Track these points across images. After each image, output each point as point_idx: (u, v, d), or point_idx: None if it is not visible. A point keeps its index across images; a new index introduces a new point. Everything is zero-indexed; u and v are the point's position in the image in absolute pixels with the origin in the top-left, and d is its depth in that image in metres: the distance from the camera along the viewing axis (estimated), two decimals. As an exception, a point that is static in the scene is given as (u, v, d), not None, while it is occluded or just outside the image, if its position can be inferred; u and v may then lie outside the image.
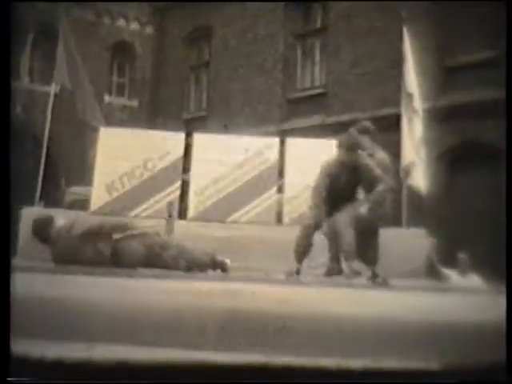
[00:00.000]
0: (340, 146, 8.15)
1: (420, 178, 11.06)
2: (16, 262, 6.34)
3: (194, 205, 10.45)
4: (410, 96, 11.44)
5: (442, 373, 3.47)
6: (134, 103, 24.58)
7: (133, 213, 10.27)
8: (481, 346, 3.74)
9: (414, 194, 11.21)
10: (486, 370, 3.50)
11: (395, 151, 11.42)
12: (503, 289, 4.61)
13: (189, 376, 3.49)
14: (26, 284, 3.93)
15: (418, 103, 11.42)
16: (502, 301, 4.05)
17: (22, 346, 3.34)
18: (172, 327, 3.92)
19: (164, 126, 17.85)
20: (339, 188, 7.99)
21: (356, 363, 3.53)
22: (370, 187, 8.04)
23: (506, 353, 3.52)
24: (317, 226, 7.93)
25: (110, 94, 23.92)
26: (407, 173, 11.13)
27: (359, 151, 8.12)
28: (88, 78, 13.04)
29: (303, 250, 7.87)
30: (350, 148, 8.04)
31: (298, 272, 7.76)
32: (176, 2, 23.83)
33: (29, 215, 9.18)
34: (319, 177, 8.11)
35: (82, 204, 10.94)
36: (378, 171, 8.07)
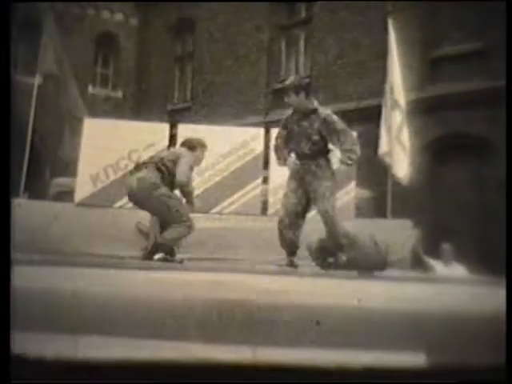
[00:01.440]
0: (287, 90, 7.51)
1: (403, 169, 11.12)
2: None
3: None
4: (392, 87, 11.50)
5: (439, 372, 3.48)
6: (118, 94, 24.49)
7: (118, 204, 10.27)
8: (473, 339, 3.76)
9: (398, 184, 11.26)
10: (484, 366, 3.51)
11: (375, 141, 11.52)
12: (488, 279, 4.63)
13: (175, 370, 3.49)
14: (21, 277, 3.91)
15: (401, 94, 11.46)
16: (490, 291, 4.07)
17: (21, 343, 3.33)
18: (157, 319, 3.92)
19: (148, 117, 17.80)
20: (303, 143, 7.42)
21: (344, 356, 3.54)
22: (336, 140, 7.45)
23: (506, 353, 3.54)
24: (291, 215, 7.38)
25: (94, 85, 23.81)
26: (384, 162, 11.26)
27: (311, 98, 7.59)
28: (71, 69, 13.02)
29: (287, 248, 7.44)
30: (297, 88, 7.45)
31: (290, 264, 7.37)
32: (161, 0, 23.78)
33: (14, 207, 9.16)
34: (276, 138, 7.78)
35: (67, 195, 10.90)
36: (340, 123, 7.47)
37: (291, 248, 7.44)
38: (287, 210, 7.41)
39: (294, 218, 7.41)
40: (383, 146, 11.32)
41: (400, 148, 11.14)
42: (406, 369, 3.59)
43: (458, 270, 10.42)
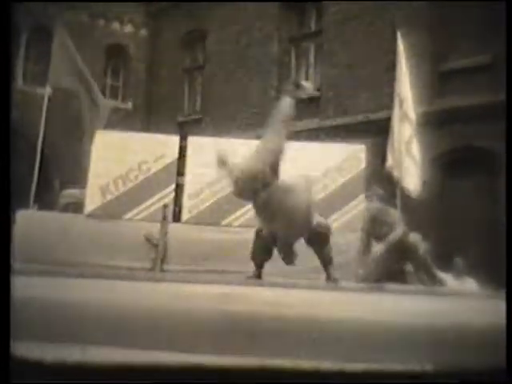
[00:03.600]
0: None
1: (413, 182, 11.11)
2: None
3: (188, 208, 10.45)
4: (401, 100, 11.51)
5: (440, 375, 3.47)
6: (128, 106, 24.54)
7: (127, 215, 10.28)
8: (478, 350, 3.75)
9: (407, 197, 11.24)
10: (485, 373, 3.51)
11: (384, 154, 11.51)
12: (498, 292, 4.61)
13: (182, 379, 3.49)
14: (24, 287, 3.92)
15: (410, 107, 11.47)
16: (498, 304, 4.06)
17: (21, 349, 3.33)
18: (165, 330, 3.92)
19: (158, 129, 17.83)
20: None
21: (351, 367, 3.53)
22: None
23: (506, 357, 3.53)
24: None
25: (104, 96, 23.84)
26: (393, 175, 11.26)
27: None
28: (91, 77, 13.07)
29: (260, 259, 7.36)
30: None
31: (258, 276, 7.49)
32: (171, 1, 23.83)
33: (23, 218, 9.19)
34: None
35: (76, 207, 10.93)
36: None
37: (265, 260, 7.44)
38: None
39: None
40: (390, 159, 11.33)
41: (411, 161, 11.13)
42: (406, 373, 3.60)
43: (469, 283, 10.38)
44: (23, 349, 3.37)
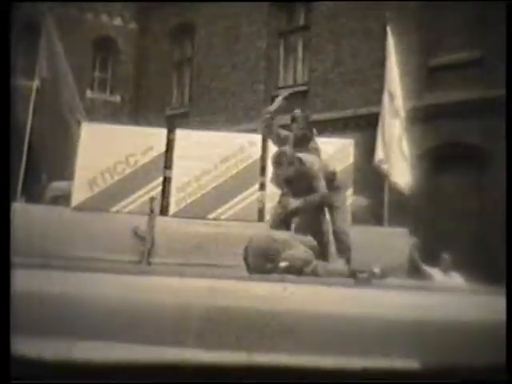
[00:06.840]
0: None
1: (400, 177, 11.11)
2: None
3: (175, 201, 10.43)
4: (391, 95, 11.51)
5: (440, 373, 3.47)
6: (117, 99, 24.46)
7: (114, 208, 10.25)
8: (470, 346, 3.75)
9: (395, 192, 11.25)
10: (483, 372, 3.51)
11: (372, 149, 11.52)
12: (486, 288, 4.63)
13: (172, 374, 3.48)
14: (21, 280, 3.90)
15: (399, 102, 11.47)
16: (487, 300, 4.06)
17: (21, 345, 3.32)
18: (154, 324, 3.90)
19: (146, 122, 17.78)
20: None
21: (341, 362, 3.53)
22: None
23: (506, 353, 3.53)
24: None
25: (92, 89, 23.79)
26: (381, 170, 11.26)
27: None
28: (71, 72, 13.02)
29: None
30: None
31: None
32: (160, 1, 23.78)
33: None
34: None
35: (64, 199, 10.88)
36: None
37: None
38: None
39: None
40: (379, 154, 11.32)
41: (401, 157, 11.13)
42: (404, 371, 3.59)
43: (456, 278, 10.41)
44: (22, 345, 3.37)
